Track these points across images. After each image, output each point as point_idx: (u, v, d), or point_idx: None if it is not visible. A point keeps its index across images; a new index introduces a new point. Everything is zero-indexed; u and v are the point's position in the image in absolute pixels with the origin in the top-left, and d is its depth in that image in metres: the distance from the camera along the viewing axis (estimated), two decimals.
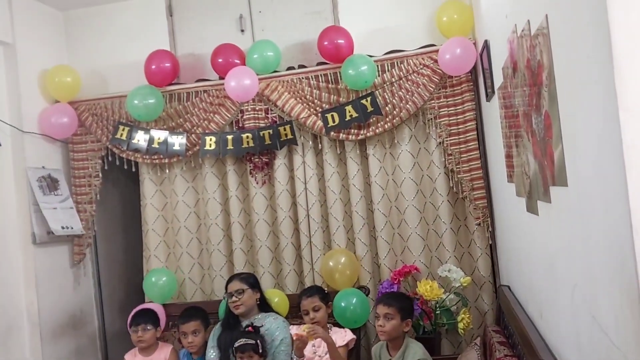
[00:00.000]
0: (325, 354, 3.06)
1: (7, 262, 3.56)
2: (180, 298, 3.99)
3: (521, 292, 2.72)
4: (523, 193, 2.24)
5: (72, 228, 3.84)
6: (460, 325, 3.28)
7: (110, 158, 4.01)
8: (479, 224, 3.55)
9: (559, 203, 1.68)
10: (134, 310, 3.45)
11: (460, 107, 3.55)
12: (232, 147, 3.78)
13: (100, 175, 4.03)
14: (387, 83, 3.63)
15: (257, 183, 3.88)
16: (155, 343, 3.30)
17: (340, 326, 3.33)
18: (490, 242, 3.57)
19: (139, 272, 4.40)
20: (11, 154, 3.62)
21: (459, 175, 3.55)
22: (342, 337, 3.16)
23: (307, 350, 3.08)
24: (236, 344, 2.91)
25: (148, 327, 3.26)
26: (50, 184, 3.79)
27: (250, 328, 3.01)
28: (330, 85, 3.72)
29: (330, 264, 3.64)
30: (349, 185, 3.76)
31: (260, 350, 2.92)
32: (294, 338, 2.95)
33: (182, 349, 3.37)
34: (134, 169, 4.02)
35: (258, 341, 2.92)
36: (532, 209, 2.10)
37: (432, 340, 3.33)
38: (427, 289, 3.30)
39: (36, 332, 3.66)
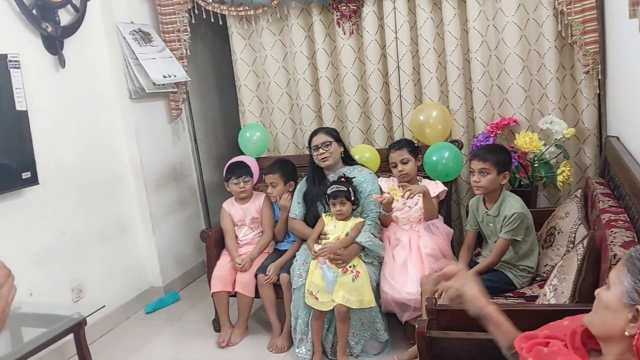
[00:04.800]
0: (415, 204, 3.04)
1: (108, 118, 3.72)
2: (274, 152, 4.07)
3: (633, 141, 2.49)
4: None
5: (175, 76, 3.87)
6: (560, 178, 3.12)
7: (196, 12, 3.94)
8: (588, 72, 3.23)
9: None
10: (230, 163, 3.55)
11: None
12: None
13: (189, 29, 3.99)
14: None
15: (345, 34, 3.70)
16: (251, 192, 3.43)
17: (430, 179, 3.27)
18: (599, 92, 3.26)
19: (232, 128, 4.51)
20: (100, 9, 3.63)
21: (569, 17, 3.17)
22: (433, 189, 3.11)
23: (398, 202, 3.08)
24: (329, 191, 2.96)
25: (248, 178, 3.37)
26: (143, 36, 3.80)
27: (342, 178, 3.03)
28: None
29: (421, 118, 3.51)
30: (444, 33, 3.49)
31: (353, 198, 2.96)
32: (376, 199, 2.94)
33: None
34: (220, 23, 3.95)
35: (350, 189, 2.95)
36: None
37: (528, 193, 3.21)
38: (526, 140, 3.12)
39: (141, 183, 3.91)
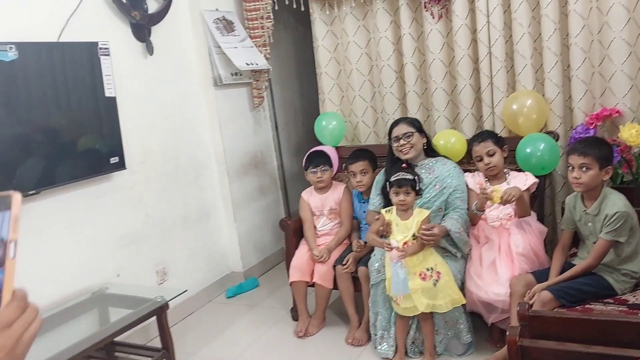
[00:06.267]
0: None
1: (193, 105, 3.77)
2: (354, 141, 3.98)
3: None
4: None
5: (257, 64, 3.87)
6: None
7: None
8: None
9: None
10: (309, 152, 3.49)
11: None
12: None
13: (272, 16, 3.95)
14: None
15: (433, 18, 3.54)
16: (330, 183, 3.36)
17: (520, 170, 3.06)
18: None
19: (312, 116, 4.45)
20: None
21: None
22: (523, 181, 2.90)
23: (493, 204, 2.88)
24: (392, 178, 2.74)
25: (326, 168, 3.31)
26: (226, 25, 3.82)
27: (404, 165, 2.83)
28: None
29: (514, 107, 3.29)
30: (540, 17, 3.25)
31: (417, 188, 2.74)
32: (480, 191, 2.75)
33: (353, 189, 3.40)
34: (303, 8, 3.89)
35: (416, 178, 2.76)
36: None
37: (631, 191, 2.93)
38: (631, 133, 2.84)
39: (223, 170, 3.94)
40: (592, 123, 3.10)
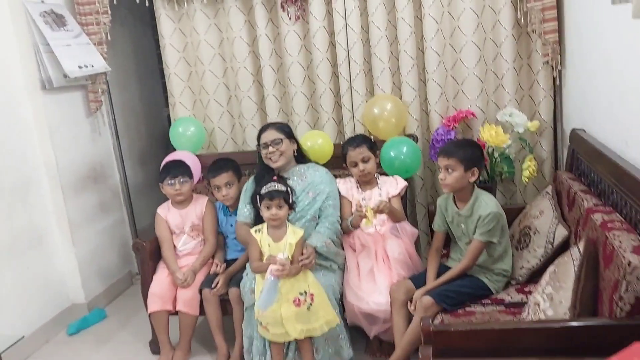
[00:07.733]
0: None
1: (17, 112, 3.19)
2: (210, 149, 3.67)
3: (609, 132, 2.36)
4: None
5: (92, 66, 3.38)
6: (526, 173, 2.97)
7: None
8: (547, 62, 3.12)
9: None
10: (165, 161, 3.13)
11: None
12: None
13: (109, 11, 3.50)
14: None
15: (290, 19, 3.38)
16: (190, 196, 3.03)
17: (387, 175, 3.03)
18: (559, 83, 3.16)
19: (156, 121, 4.07)
20: None
21: (528, 4, 3.03)
22: (395, 186, 2.87)
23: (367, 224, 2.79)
24: (264, 190, 2.49)
25: (185, 179, 2.97)
26: (55, 19, 3.28)
27: (275, 177, 2.62)
28: None
29: (375, 111, 3.26)
30: (397, 20, 3.26)
31: (290, 201, 2.53)
32: (356, 210, 2.67)
33: (216, 201, 3.12)
34: (147, 3, 3.49)
35: (289, 189, 2.55)
36: None
37: (488, 190, 3.04)
38: (491, 134, 2.95)
39: (57, 186, 3.40)
40: (450, 125, 3.17)
